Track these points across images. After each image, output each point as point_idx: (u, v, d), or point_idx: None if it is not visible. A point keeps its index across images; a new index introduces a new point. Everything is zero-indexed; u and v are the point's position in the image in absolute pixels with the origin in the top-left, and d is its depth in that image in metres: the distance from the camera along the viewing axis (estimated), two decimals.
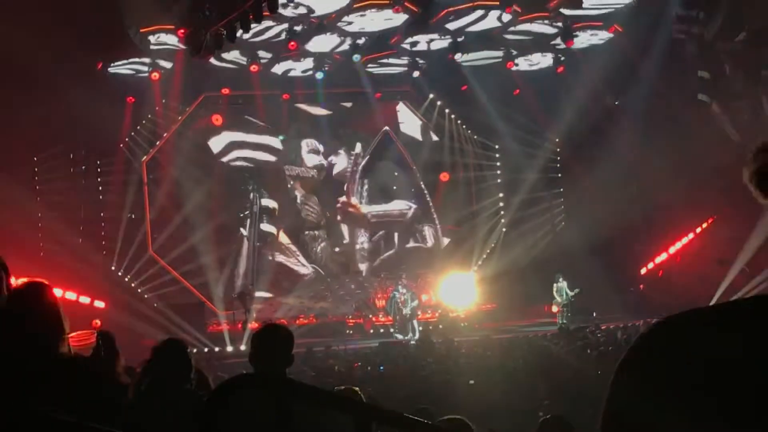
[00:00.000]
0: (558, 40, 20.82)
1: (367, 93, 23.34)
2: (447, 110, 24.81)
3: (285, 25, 18.74)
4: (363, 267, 24.34)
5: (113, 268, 21.22)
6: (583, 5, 18.92)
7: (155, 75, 20.20)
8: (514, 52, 21.85)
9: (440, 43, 20.88)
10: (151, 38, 18.43)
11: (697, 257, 21.37)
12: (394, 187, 24.81)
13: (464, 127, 25.02)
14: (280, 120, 23.62)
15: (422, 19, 18.82)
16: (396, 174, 24.80)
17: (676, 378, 1.05)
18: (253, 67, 20.63)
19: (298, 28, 18.91)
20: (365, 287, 23.81)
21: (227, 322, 20.51)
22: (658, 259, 22.73)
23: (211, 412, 2.06)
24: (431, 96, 24.45)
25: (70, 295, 17.55)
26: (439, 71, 22.52)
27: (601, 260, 21.13)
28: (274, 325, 4.13)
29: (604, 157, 20.93)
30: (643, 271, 22.91)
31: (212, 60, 19.39)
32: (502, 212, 25.00)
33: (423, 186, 24.78)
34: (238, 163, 23.33)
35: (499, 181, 25.17)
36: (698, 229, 21.80)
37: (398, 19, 18.77)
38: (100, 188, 21.63)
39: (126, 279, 21.30)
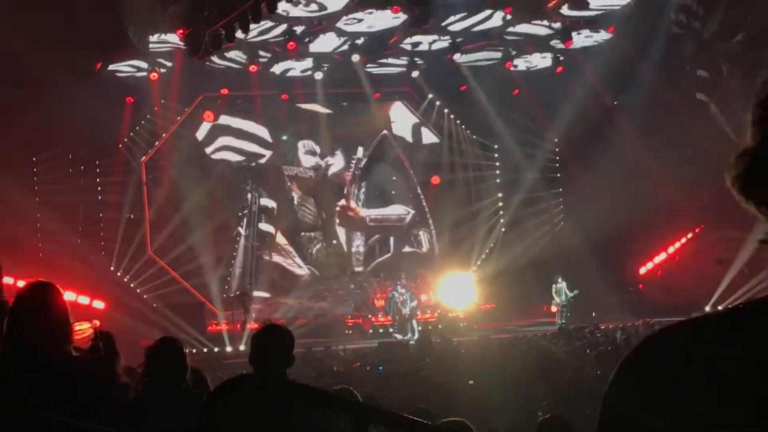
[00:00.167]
0: (557, 41, 20.84)
1: (366, 93, 23.35)
2: (446, 110, 24.81)
3: (284, 26, 18.73)
4: (359, 270, 24.35)
5: (112, 268, 21.21)
6: (582, 6, 18.91)
7: (154, 75, 20.19)
8: (513, 52, 21.87)
9: (439, 43, 20.89)
10: (153, 36, 18.42)
11: (697, 257, 21.39)
12: (393, 192, 24.82)
13: (463, 127, 25.02)
14: (278, 120, 23.63)
15: (421, 19, 18.81)
16: (394, 178, 24.82)
17: (678, 380, 1.05)
18: (252, 68, 20.63)
19: (297, 28, 18.90)
20: (364, 287, 23.80)
21: (226, 323, 20.51)
22: (657, 259, 22.74)
23: (210, 411, 2.06)
24: (430, 96, 24.45)
25: (69, 296, 17.43)
26: (438, 71, 22.53)
27: (600, 260, 21.15)
28: (275, 326, 4.13)
29: (603, 156, 20.94)
30: (643, 270, 22.92)
31: (211, 60, 19.39)
32: (501, 212, 25.00)
33: (420, 191, 24.80)
34: (224, 153, 23.24)
35: (498, 181, 25.17)
36: (697, 229, 21.82)
37: (397, 19, 18.76)
38: (99, 188, 21.62)
39: (125, 279, 21.29)
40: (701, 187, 19.59)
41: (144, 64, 20.10)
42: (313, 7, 17.66)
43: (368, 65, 22.09)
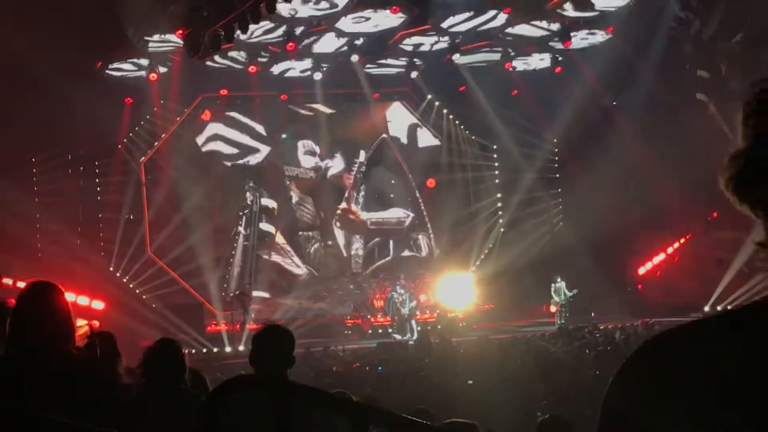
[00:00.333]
0: (556, 41, 20.84)
1: (366, 94, 23.35)
2: (445, 111, 24.82)
3: (283, 27, 18.73)
4: (357, 272, 24.37)
5: (111, 268, 21.21)
6: (582, 6, 18.92)
7: (153, 76, 20.17)
8: (512, 53, 21.87)
9: (439, 43, 20.89)
10: (152, 36, 18.41)
11: (696, 257, 21.40)
12: (391, 195, 24.84)
13: (462, 127, 25.03)
14: (278, 120, 23.63)
15: (420, 19, 18.82)
16: (393, 182, 24.83)
17: (679, 381, 1.05)
18: (252, 68, 20.63)
19: (297, 29, 18.90)
20: (363, 288, 23.80)
21: (225, 323, 20.51)
22: (656, 259, 22.75)
23: (210, 412, 2.06)
24: (429, 97, 24.46)
25: (69, 296, 17.46)
26: (437, 72, 22.52)
27: (599, 260, 21.16)
28: (275, 326, 4.13)
29: (602, 157, 20.94)
30: (642, 271, 22.92)
31: (211, 60, 19.38)
32: (500, 212, 25.01)
33: (418, 194, 24.80)
34: (219, 147, 23.24)
35: (497, 181, 25.17)
36: (696, 229, 21.83)
37: (397, 19, 18.76)
38: (99, 189, 21.62)
39: (124, 280, 21.28)
40: (701, 186, 19.60)
41: (143, 65, 20.10)
42: (324, 5, 17.67)
43: (367, 66, 22.09)
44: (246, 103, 23.21)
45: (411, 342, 18.15)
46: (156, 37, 18.32)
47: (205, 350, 19.15)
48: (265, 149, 23.69)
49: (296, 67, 21.72)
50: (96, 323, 3.93)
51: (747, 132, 1.15)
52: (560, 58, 22.17)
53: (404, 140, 25.12)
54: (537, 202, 24.76)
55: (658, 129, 20.63)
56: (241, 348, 18.91)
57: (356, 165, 24.32)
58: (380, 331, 21.60)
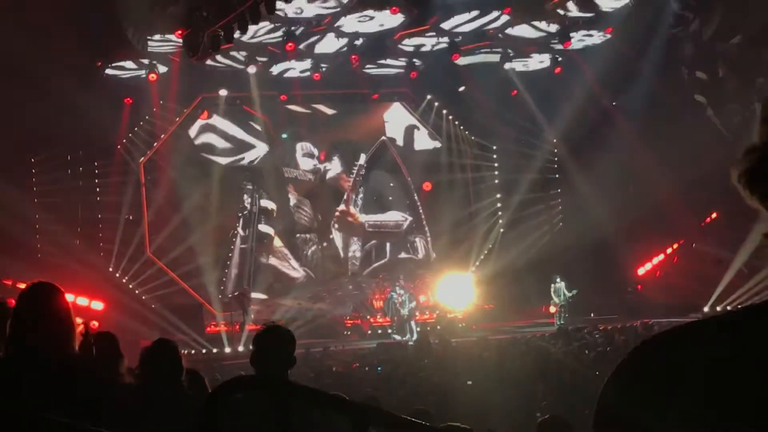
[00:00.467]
0: (555, 41, 20.85)
1: (365, 94, 23.35)
2: (444, 111, 24.82)
3: (283, 27, 18.73)
4: (354, 273, 24.36)
5: (111, 269, 21.21)
6: (583, 6, 18.93)
7: (153, 76, 20.15)
8: (512, 53, 21.87)
9: (438, 44, 20.89)
10: (152, 37, 18.41)
11: (695, 257, 21.42)
12: (390, 198, 24.85)
13: (462, 128, 25.03)
14: (277, 121, 23.63)
15: (420, 20, 18.82)
16: (391, 185, 24.84)
17: (674, 382, 1.06)
18: (251, 68, 20.63)
19: (297, 29, 18.91)
20: (363, 288, 23.80)
21: (225, 324, 20.50)
22: (656, 260, 22.76)
23: (210, 412, 2.06)
24: (429, 97, 24.47)
25: (68, 297, 17.49)
26: (436, 72, 22.51)
27: (599, 261, 21.18)
28: (276, 327, 4.13)
29: (602, 157, 20.96)
30: (641, 271, 22.93)
31: (211, 60, 19.37)
32: (499, 213, 25.01)
33: (417, 198, 24.81)
34: (215, 146, 23.24)
35: (496, 181, 25.17)
36: (696, 229, 21.85)
37: (396, 20, 18.77)
38: (98, 189, 21.63)
39: (124, 280, 21.29)
40: (700, 186, 19.62)
41: (143, 65, 20.10)
42: (331, 2, 17.68)
43: (367, 66, 22.09)
44: (245, 104, 23.19)
45: (410, 342, 18.15)
46: (156, 37, 18.33)
47: (204, 351, 19.15)
48: (264, 150, 23.69)
49: (296, 68, 21.72)
50: (95, 323, 3.94)
51: (764, 129, 1.17)
52: (560, 59, 22.17)
53: (404, 142, 25.12)
54: (537, 202, 24.77)
55: (657, 129, 20.64)
56: (240, 349, 18.90)
57: (356, 167, 24.32)
58: (380, 331, 21.60)
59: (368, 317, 22.45)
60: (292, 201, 23.98)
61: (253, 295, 22.02)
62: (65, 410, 2.54)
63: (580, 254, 21.36)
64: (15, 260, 16.53)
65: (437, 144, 25.19)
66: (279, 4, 14.83)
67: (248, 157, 23.63)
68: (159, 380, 4.15)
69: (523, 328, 19.92)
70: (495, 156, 25.14)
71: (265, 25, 18.00)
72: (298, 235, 23.99)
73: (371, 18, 18.61)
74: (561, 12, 19.22)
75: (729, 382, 1.03)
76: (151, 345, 4.33)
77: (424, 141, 25.25)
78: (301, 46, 19.90)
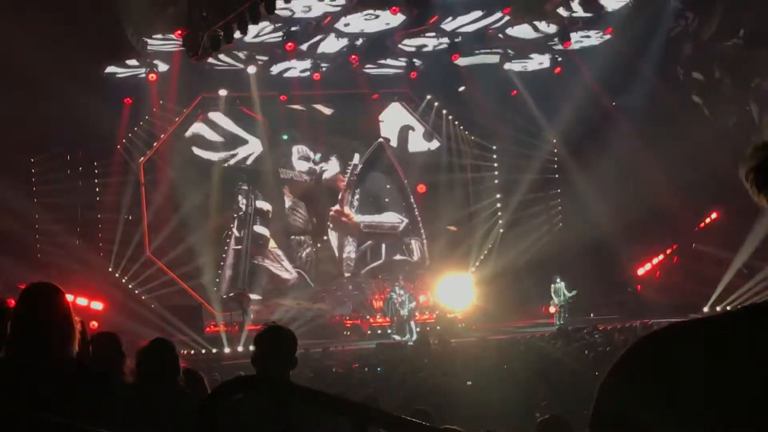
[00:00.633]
0: (555, 41, 20.85)
1: (365, 94, 23.34)
2: (444, 111, 24.82)
3: (284, 27, 18.72)
4: (348, 276, 24.35)
5: (110, 269, 21.20)
6: (583, 5, 18.92)
7: (152, 76, 20.17)
8: (512, 53, 21.87)
9: (439, 45, 20.89)
10: (152, 37, 18.41)
11: (695, 257, 21.42)
12: (386, 199, 24.85)
13: (461, 128, 25.02)
14: (277, 121, 23.62)
15: (420, 20, 18.82)
16: (388, 186, 24.83)
17: (669, 380, 1.06)
18: (251, 68, 20.62)
19: (297, 29, 18.91)
20: (362, 288, 23.80)
21: (224, 324, 20.49)
22: (656, 260, 22.76)
23: (209, 412, 2.06)
24: (429, 97, 24.47)
25: (68, 297, 17.49)
26: (436, 72, 22.52)
27: (599, 261, 21.17)
28: (277, 327, 4.12)
29: (602, 157, 20.97)
30: (641, 271, 22.93)
31: (210, 60, 19.37)
32: (499, 213, 24.99)
33: (413, 199, 24.79)
34: (215, 146, 23.22)
35: (496, 182, 25.15)
36: (696, 229, 21.85)
37: (396, 20, 18.77)
38: (97, 190, 21.63)
39: (123, 280, 21.28)
40: (700, 187, 19.63)
41: (143, 65, 20.09)
42: (339, 0, 17.69)
43: (367, 66, 22.09)
44: (245, 104, 23.18)
45: (410, 343, 18.14)
46: (155, 36, 18.33)
47: (204, 351, 19.13)
48: (260, 149, 23.66)
49: (296, 67, 21.72)
50: (95, 324, 3.94)
51: None
52: (560, 59, 22.18)
53: (402, 143, 25.11)
54: (536, 202, 24.76)
55: (657, 129, 20.65)
56: (240, 349, 18.88)
57: (350, 167, 24.31)
58: (379, 331, 21.57)
59: (368, 317, 22.43)
60: (288, 203, 23.98)
61: (250, 296, 22.01)
62: (65, 410, 2.53)
63: (579, 254, 21.35)
64: (14, 260, 16.52)
65: (432, 145, 25.17)
66: (281, 4, 14.83)
67: (242, 152, 23.52)
68: (155, 380, 4.15)
69: (522, 329, 19.91)
70: (495, 156, 25.12)
71: (265, 25, 17.99)
72: (292, 237, 23.98)
73: (377, 16, 18.62)
74: (561, 12, 19.22)
75: (728, 381, 1.03)
76: (147, 344, 4.33)
77: (418, 142, 25.23)
78: (303, 47, 19.91)
